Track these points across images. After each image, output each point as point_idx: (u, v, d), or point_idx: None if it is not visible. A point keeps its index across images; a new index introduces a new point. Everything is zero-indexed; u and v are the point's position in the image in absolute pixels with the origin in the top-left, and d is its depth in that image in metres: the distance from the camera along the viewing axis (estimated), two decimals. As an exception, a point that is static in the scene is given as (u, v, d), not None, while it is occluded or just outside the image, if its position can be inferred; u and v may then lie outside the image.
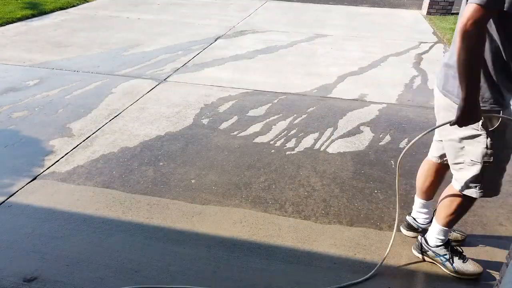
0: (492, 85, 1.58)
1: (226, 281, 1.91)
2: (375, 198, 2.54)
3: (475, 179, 1.73)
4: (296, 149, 3.06)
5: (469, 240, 2.20)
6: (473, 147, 1.68)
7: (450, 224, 1.93)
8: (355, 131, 3.35)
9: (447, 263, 1.97)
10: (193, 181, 2.64)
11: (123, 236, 2.15)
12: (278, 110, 3.69)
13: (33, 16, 6.69)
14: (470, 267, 1.95)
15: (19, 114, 3.43)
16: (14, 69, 4.44)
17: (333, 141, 3.19)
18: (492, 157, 1.67)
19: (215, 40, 5.75)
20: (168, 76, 4.38)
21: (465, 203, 1.85)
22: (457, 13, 7.96)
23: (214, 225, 2.26)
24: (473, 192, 1.77)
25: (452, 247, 1.98)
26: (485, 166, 1.69)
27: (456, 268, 1.94)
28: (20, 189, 2.49)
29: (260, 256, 2.06)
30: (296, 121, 3.48)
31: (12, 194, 2.44)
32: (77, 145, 2.99)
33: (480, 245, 2.17)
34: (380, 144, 3.17)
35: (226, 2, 8.48)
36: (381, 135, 3.30)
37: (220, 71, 4.60)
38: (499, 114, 1.60)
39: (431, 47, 5.81)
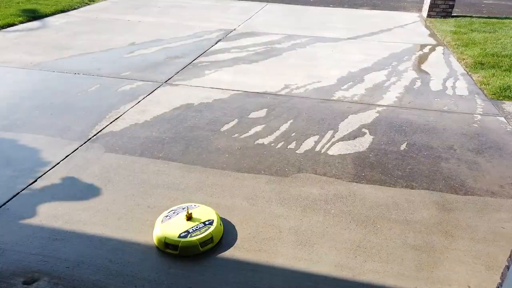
0: None
1: (227, 283, 1.91)
2: (375, 200, 2.54)
3: None
4: (297, 152, 3.06)
5: (471, 243, 2.20)
6: None
7: None
8: (355, 134, 3.35)
9: None
10: (193, 183, 2.64)
11: (123, 239, 2.15)
12: (278, 112, 3.69)
13: (35, 18, 6.72)
14: None
15: (20, 117, 3.44)
16: (15, 71, 4.45)
17: (333, 143, 3.19)
18: None
19: (216, 43, 5.76)
20: (169, 79, 4.39)
21: None
22: (457, 16, 7.99)
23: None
24: None
25: None
26: None
27: None
28: (21, 191, 2.49)
29: (261, 258, 2.06)
30: (296, 123, 3.48)
31: (13, 197, 2.44)
32: (77, 148, 3.00)
33: (481, 248, 2.17)
34: (380, 146, 3.17)
35: (227, 5, 8.51)
36: (382, 138, 3.30)
37: (221, 74, 4.60)
38: None
39: (431, 50, 5.82)
